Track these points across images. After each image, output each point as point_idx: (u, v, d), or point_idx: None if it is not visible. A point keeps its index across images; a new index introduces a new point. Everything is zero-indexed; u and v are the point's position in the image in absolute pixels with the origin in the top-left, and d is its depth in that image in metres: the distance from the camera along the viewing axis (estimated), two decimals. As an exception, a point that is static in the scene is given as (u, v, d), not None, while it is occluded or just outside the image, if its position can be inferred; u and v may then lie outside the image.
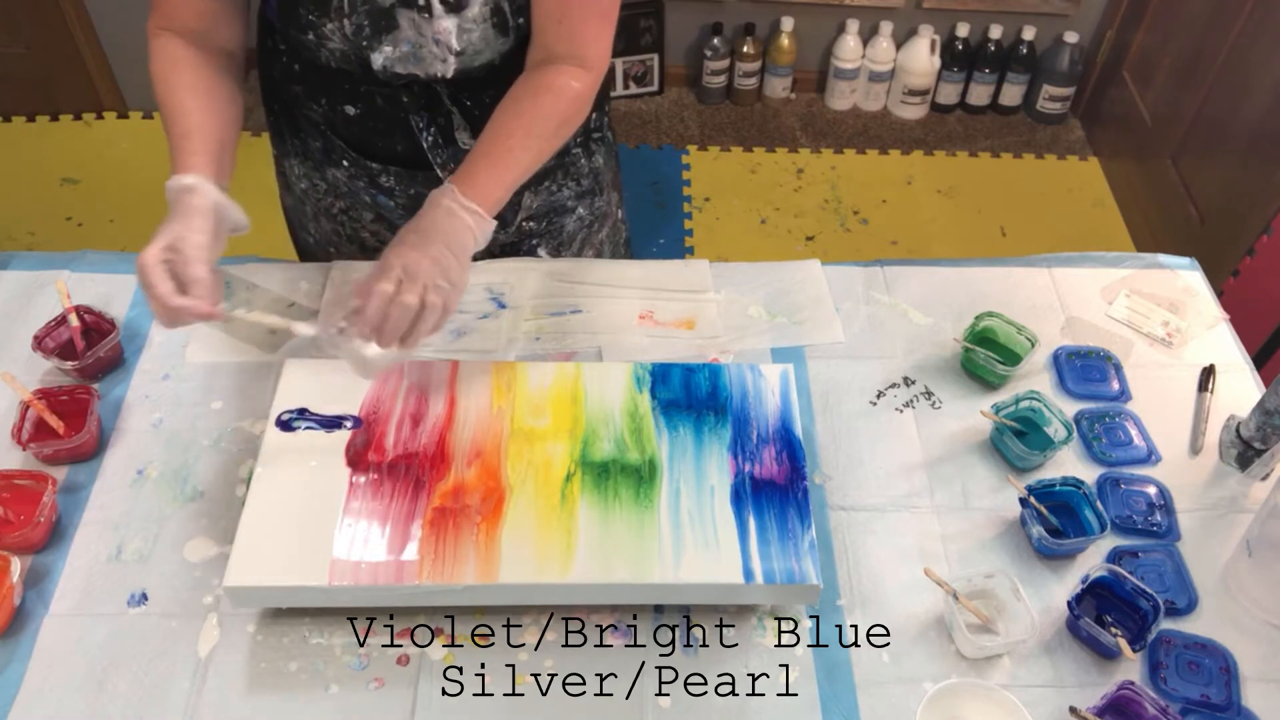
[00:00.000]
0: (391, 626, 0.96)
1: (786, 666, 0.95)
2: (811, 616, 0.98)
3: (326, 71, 1.12)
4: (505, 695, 0.92)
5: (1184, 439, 1.15)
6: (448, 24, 1.04)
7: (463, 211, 1.00)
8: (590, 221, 1.36)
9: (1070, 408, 1.16)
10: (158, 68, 1.07)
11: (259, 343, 1.18)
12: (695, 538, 0.94)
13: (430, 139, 1.16)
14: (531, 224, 1.31)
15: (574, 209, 1.33)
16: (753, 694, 0.93)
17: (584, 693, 0.92)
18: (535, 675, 0.93)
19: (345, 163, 1.22)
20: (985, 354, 1.16)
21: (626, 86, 3.11)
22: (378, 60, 1.07)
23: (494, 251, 1.30)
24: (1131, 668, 0.96)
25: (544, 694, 0.92)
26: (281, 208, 1.40)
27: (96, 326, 1.15)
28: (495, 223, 1.02)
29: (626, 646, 0.96)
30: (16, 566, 0.95)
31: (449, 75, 1.09)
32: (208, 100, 1.06)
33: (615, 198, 1.41)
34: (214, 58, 1.08)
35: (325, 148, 1.22)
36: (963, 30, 2.97)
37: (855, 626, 0.98)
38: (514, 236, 1.31)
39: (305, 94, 1.18)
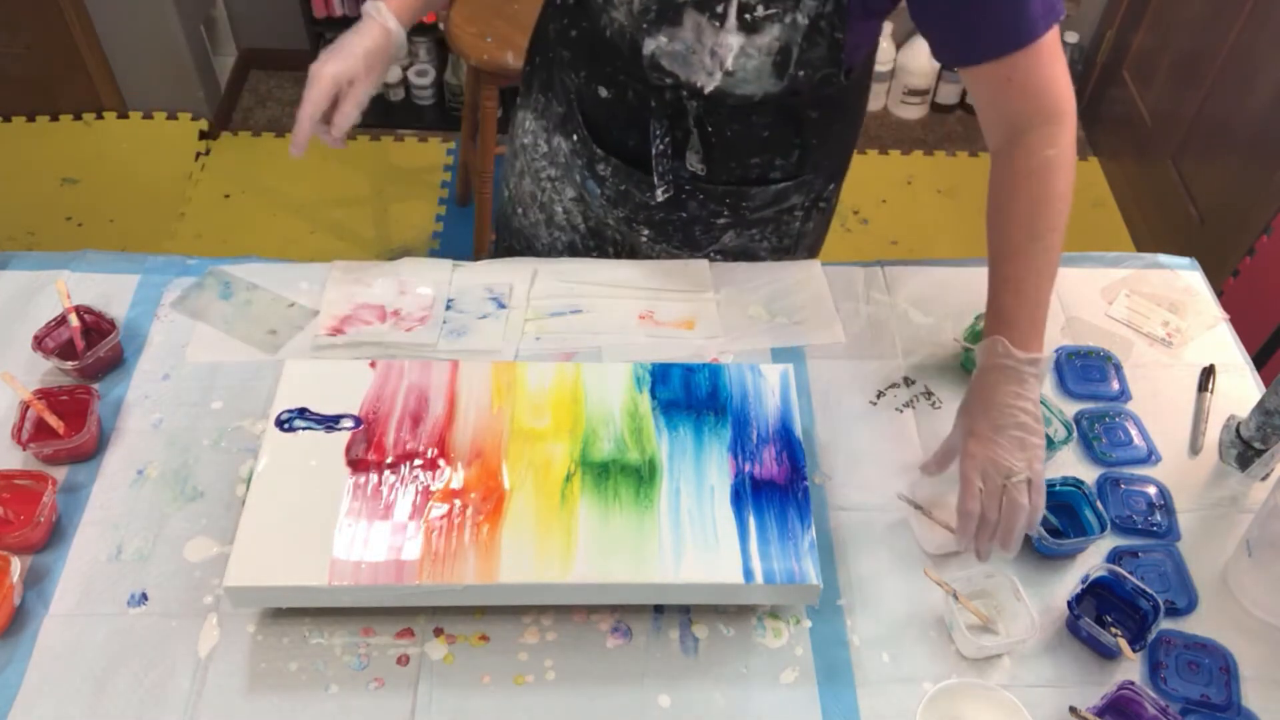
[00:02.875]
0: (391, 627, 0.96)
1: (786, 666, 0.95)
2: (811, 616, 0.98)
3: (597, 47, 1.14)
4: (505, 695, 0.92)
5: (1184, 439, 1.15)
6: (733, 40, 1.02)
7: (1023, 367, 0.94)
8: (779, 249, 1.34)
9: (1070, 408, 1.16)
10: None
11: (259, 343, 1.18)
12: (695, 538, 0.94)
13: (660, 147, 1.17)
14: (719, 258, 1.31)
15: (764, 259, 1.32)
16: (752, 694, 0.93)
17: (584, 693, 0.92)
18: (535, 675, 0.93)
19: (575, 137, 1.25)
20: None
21: (627, 86, 3.11)
22: (649, 46, 1.07)
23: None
24: (1131, 668, 0.96)
25: (544, 694, 0.92)
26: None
27: (96, 326, 1.15)
28: (1046, 356, 0.96)
29: (626, 646, 0.96)
30: (16, 566, 0.95)
31: (708, 90, 1.08)
32: None
33: (804, 257, 1.37)
34: None
35: (566, 115, 1.25)
36: (963, 30, 2.96)
37: (855, 626, 0.98)
38: (704, 258, 1.31)
39: (570, 61, 1.20)
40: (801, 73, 1.05)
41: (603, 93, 1.18)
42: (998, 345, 0.96)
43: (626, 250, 1.34)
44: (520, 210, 1.38)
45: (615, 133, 1.21)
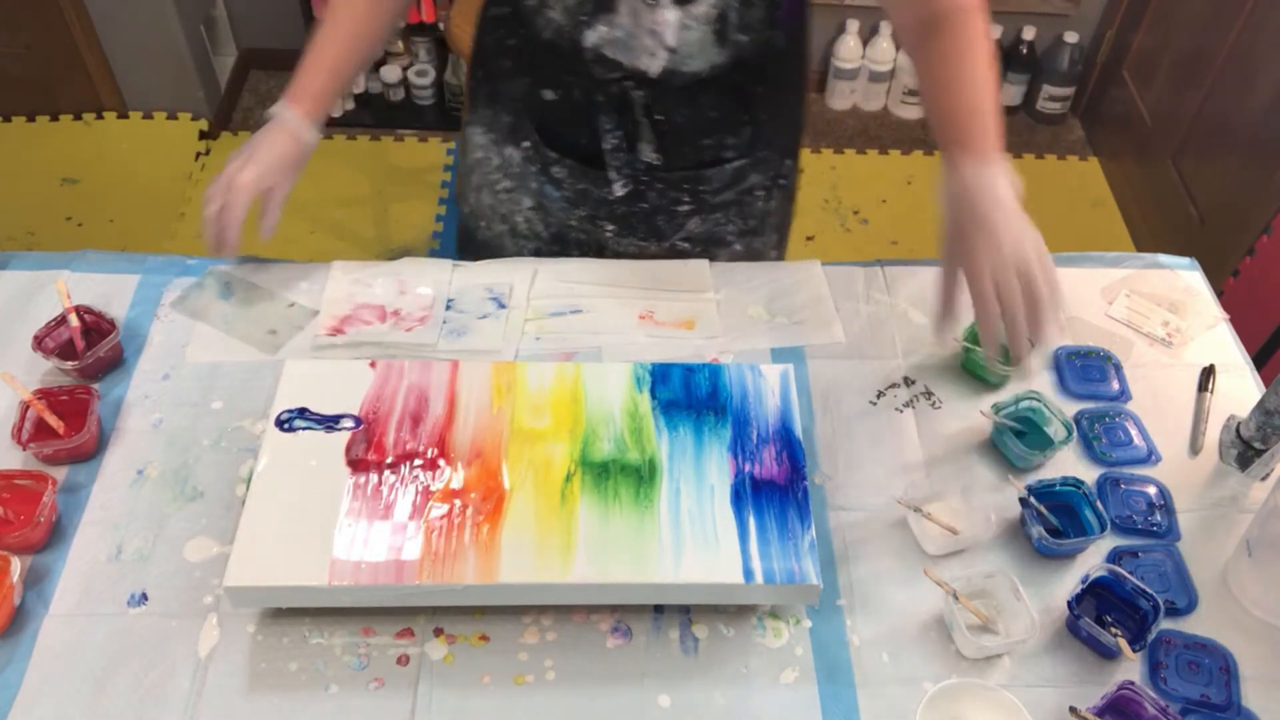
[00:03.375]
0: (391, 627, 0.96)
1: (786, 666, 0.95)
2: (811, 616, 0.98)
3: (537, 52, 1.14)
4: (505, 695, 0.92)
5: (1184, 439, 1.15)
6: (670, 16, 1.04)
7: (999, 172, 0.96)
8: (744, 257, 1.36)
9: (1070, 408, 1.16)
10: None
11: (259, 343, 1.18)
12: (695, 537, 0.94)
13: (612, 143, 1.18)
14: (686, 245, 1.32)
15: (732, 244, 1.34)
16: (752, 694, 0.93)
17: (584, 693, 0.92)
18: (535, 675, 0.93)
19: (527, 144, 1.26)
20: (985, 354, 1.16)
21: (627, 86, 3.11)
22: (589, 39, 1.07)
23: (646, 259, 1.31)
24: (1131, 668, 0.96)
25: (544, 694, 0.92)
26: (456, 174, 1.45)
27: (96, 326, 1.15)
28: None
29: (626, 646, 0.96)
30: (16, 566, 0.95)
31: (656, 73, 1.09)
32: (353, 36, 1.15)
33: (774, 239, 1.40)
34: None
35: (514, 124, 1.26)
36: (963, 30, 2.96)
37: (855, 626, 0.98)
38: (666, 253, 1.32)
39: (511, 70, 1.21)
40: (743, 37, 1.07)
41: (548, 96, 1.18)
42: (966, 161, 0.96)
43: (593, 249, 1.34)
44: (483, 224, 1.38)
45: (566, 134, 1.22)
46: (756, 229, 1.34)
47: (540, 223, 1.33)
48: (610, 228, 1.30)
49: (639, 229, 1.30)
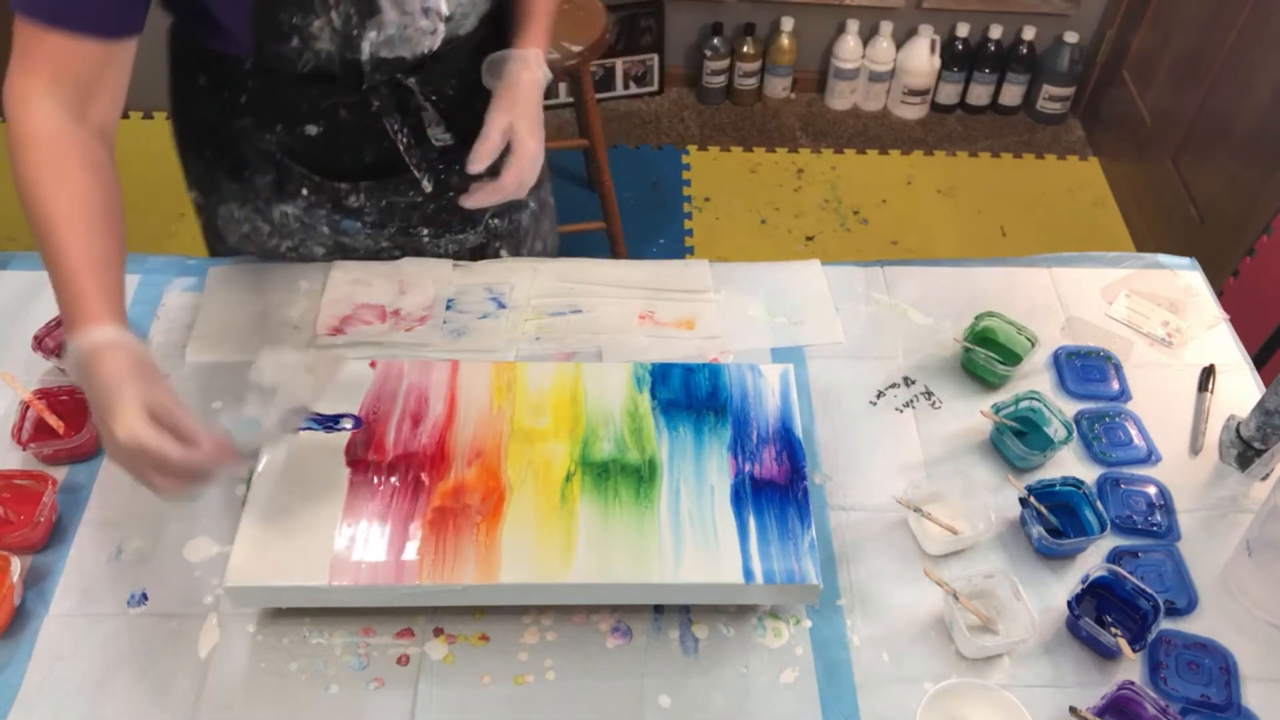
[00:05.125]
0: (391, 627, 0.96)
1: (786, 666, 0.95)
2: (811, 616, 0.98)
3: (289, 92, 1.09)
4: (505, 695, 0.92)
5: (1184, 439, 1.15)
6: None
7: (536, 65, 1.12)
8: (537, 212, 1.37)
9: (1070, 408, 1.16)
10: (30, 156, 0.88)
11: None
12: (695, 538, 0.94)
13: (405, 141, 1.15)
14: (497, 221, 1.31)
15: (528, 203, 1.34)
16: (753, 694, 0.93)
17: (584, 693, 0.92)
18: (535, 675, 0.93)
19: (305, 190, 1.18)
20: (985, 354, 1.16)
21: (626, 86, 3.11)
22: (365, 51, 1.05)
23: (464, 256, 1.30)
24: (1131, 668, 0.96)
25: (544, 694, 0.92)
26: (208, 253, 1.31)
27: (96, 326, 1.15)
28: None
29: (626, 646, 0.96)
30: (16, 566, 0.95)
31: (436, 48, 1.08)
32: (103, 210, 0.90)
33: (549, 186, 1.42)
34: (96, 139, 0.92)
35: (278, 180, 1.17)
36: (963, 30, 2.97)
37: (855, 626, 0.98)
38: (483, 238, 1.31)
39: (256, 124, 1.13)
40: None
41: (312, 130, 1.12)
42: (523, 53, 1.11)
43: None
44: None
45: (347, 159, 1.16)
46: (540, 180, 1.30)
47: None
48: (425, 231, 1.26)
49: (452, 222, 1.27)
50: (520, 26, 1.15)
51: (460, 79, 1.14)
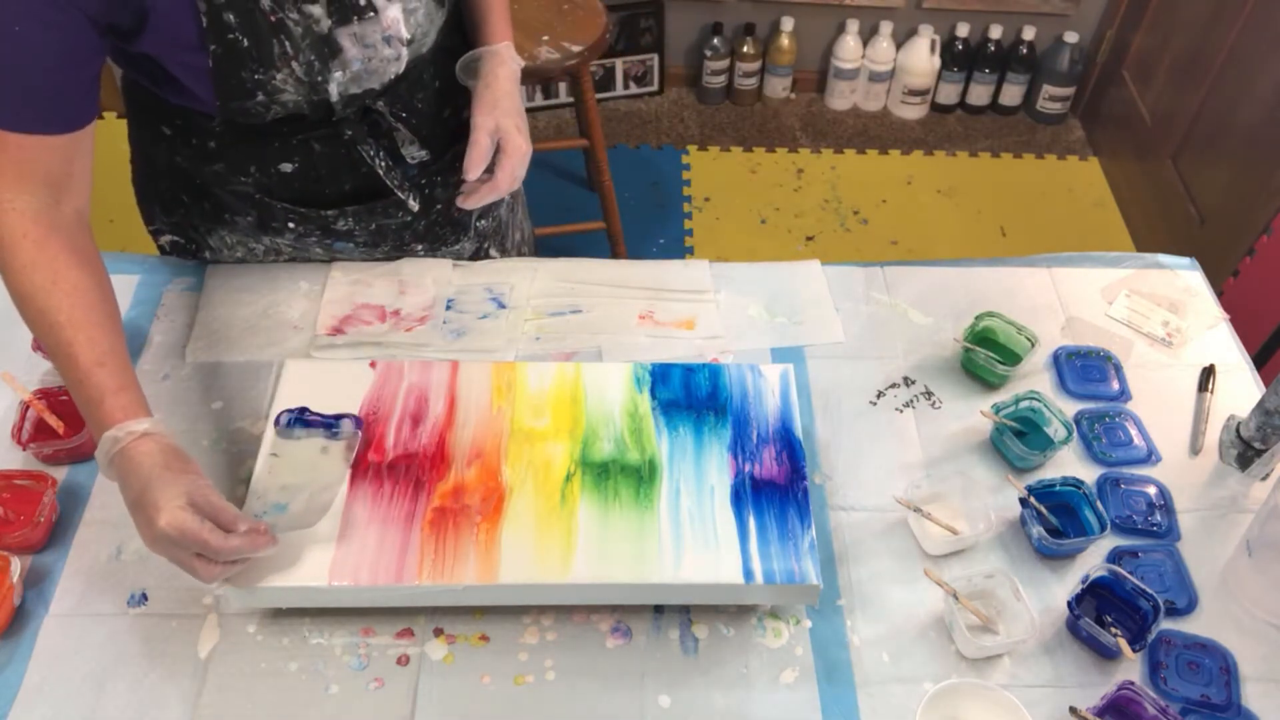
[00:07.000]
0: (391, 627, 0.96)
1: (786, 667, 0.95)
2: (811, 616, 0.98)
3: (260, 135, 1.08)
4: (505, 695, 0.92)
5: (1184, 439, 1.15)
6: (394, 13, 1.01)
7: (509, 58, 1.14)
8: (512, 203, 1.38)
9: (1070, 408, 1.16)
10: (17, 259, 0.90)
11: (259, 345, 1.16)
12: (695, 538, 0.94)
13: (384, 164, 1.14)
14: (483, 223, 1.31)
15: (503, 197, 1.31)
16: (752, 694, 0.93)
17: (584, 693, 0.92)
18: (535, 675, 0.93)
19: (291, 223, 1.18)
20: (985, 354, 1.16)
21: (626, 86, 3.11)
22: (335, 92, 1.03)
23: (461, 258, 1.31)
24: (1131, 668, 0.96)
25: (544, 694, 0.92)
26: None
27: (96, 326, 1.15)
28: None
29: (626, 646, 0.96)
30: (16, 566, 0.95)
31: (401, 71, 1.07)
32: (100, 302, 0.92)
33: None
34: (76, 226, 0.96)
35: (261, 219, 1.17)
36: (963, 30, 2.97)
37: (855, 626, 0.98)
38: (475, 243, 1.32)
39: (228, 169, 1.12)
40: None
41: (287, 168, 1.12)
42: (504, 50, 1.14)
43: None
44: None
45: (327, 190, 1.16)
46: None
47: None
48: (420, 248, 1.27)
49: (444, 232, 1.27)
50: (483, 21, 1.16)
51: (425, 91, 1.14)
